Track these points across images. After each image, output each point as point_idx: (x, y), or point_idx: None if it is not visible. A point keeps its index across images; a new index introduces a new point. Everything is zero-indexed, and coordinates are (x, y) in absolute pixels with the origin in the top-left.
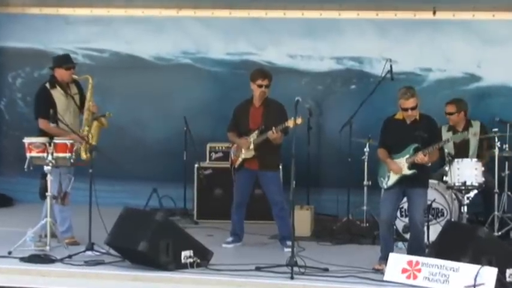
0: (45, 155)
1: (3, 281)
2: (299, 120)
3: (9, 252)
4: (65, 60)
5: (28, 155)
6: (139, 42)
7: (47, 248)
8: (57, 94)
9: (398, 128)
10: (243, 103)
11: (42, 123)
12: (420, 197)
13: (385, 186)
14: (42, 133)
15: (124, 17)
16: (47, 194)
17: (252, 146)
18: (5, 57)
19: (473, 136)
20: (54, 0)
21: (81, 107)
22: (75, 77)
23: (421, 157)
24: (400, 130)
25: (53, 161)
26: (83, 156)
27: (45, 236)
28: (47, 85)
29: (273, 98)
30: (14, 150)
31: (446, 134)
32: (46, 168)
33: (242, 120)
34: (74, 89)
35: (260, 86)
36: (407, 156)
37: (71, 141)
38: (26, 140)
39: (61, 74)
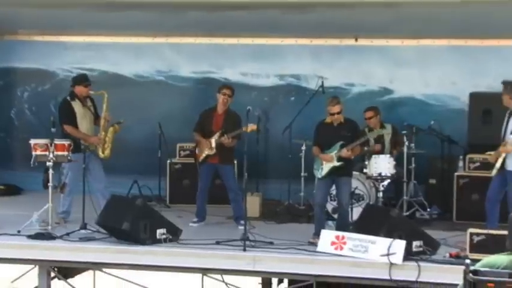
0: (47, 153)
1: (14, 254)
2: (254, 126)
3: (19, 231)
4: (84, 79)
5: (33, 153)
6: (123, 63)
7: (49, 227)
8: (77, 106)
9: (328, 130)
10: (208, 110)
11: (68, 128)
12: (346, 184)
13: (320, 176)
14: (66, 136)
15: (110, 43)
16: (48, 184)
17: (213, 145)
18: (14, 75)
19: (386, 135)
20: (55, 30)
21: (94, 116)
22: (91, 92)
23: (345, 152)
24: (329, 131)
25: (54, 158)
26: (101, 155)
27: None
28: (68, 98)
29: (232, 109)
30: (22, 150)
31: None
32: (48, 163)
33: (206, 123)
34: (88, 102)
35: (224, 94)
36: (336, 151)
37: (68, 142)
38: (32, 141)
39: (80, 90)
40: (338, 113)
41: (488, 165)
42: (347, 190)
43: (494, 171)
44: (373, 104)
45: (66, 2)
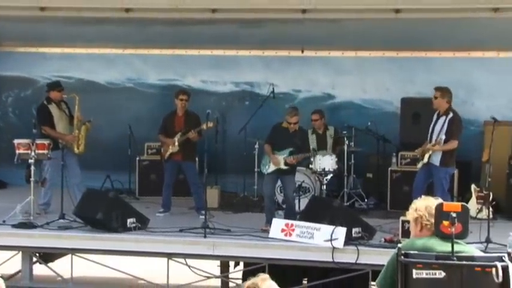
0: (29, 151)
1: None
2: (210, 124)
3: (4, 221)
4: (57, 85)
5: (17, 151)
6: (96, 71)
7: (31, 217)
8: (53, 108)
9: (282, 134)
10: (170, 113)
11: (45, 130)
12: (290, 181)
13: (266, 172)
14: (45, 136)
15: (85, 54)
16: (30, 179)
17: (176, 143)
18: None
19: (329, 137)
20: (35, 42)
21: (69, 117)
22: (64, 96)
23: (290, 160)
24: (284, 135)
25: (35, 156)
26: (76, 150)
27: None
28: (45, 102)
29: (191, 110)
30: (7, 149)
31: (311, 136)
32: (30, 161)
33: (169, 125)
34: (63, 105)
35: (181, 100)
36: (285, 155)
37: (48, 141)
38: (16, 141)
39: (55, 95)
40: (295, 123)
41: (417, 161)
42: (291, 186)
43: (419, 165)
44: (318, 108)
45: (46, 18)
